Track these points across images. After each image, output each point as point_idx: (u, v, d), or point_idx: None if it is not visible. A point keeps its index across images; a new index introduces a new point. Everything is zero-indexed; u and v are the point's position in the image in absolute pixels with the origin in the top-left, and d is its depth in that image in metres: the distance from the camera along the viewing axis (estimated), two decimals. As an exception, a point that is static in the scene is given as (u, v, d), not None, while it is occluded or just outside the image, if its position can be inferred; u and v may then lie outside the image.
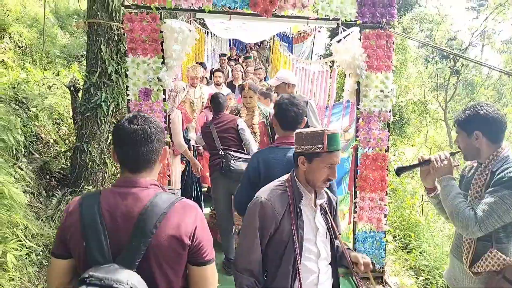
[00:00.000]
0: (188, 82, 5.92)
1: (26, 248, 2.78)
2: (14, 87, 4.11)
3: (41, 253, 2.99)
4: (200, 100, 6.00)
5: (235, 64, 9.16)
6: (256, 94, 4.23)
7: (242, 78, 7.69)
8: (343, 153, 5.26)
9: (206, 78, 7.88)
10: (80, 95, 4.21)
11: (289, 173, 2.07)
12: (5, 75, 4.42)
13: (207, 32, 10.75)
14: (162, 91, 3.34)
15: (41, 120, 4.13)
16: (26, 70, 5.24)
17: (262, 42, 13.86)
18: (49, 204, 3.47)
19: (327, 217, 2.06)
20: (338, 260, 2.08)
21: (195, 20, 9.09)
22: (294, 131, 2.37)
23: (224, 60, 9.62)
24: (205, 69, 7.79)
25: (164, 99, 3.38)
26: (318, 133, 1.92)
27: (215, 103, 4.00)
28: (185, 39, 3.28)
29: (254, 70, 7.70)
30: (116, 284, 1.31)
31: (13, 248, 2.53)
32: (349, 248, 2.12)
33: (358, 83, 3.66)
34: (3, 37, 6.28)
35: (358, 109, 3.70)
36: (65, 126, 4.61)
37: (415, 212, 7.57)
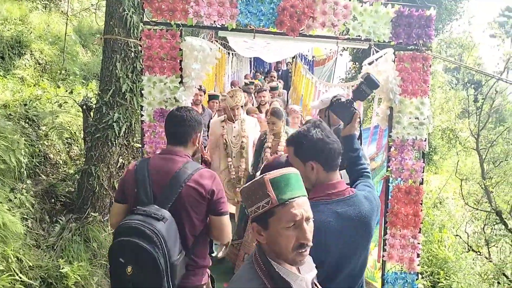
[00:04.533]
0: (216, 114, 4.46)
1: (21, 282, 2.53)
2: (25, 104, 3.96)
3: (37, 287, 2.71)
4: (240, 139, 4.18)
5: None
6: (281, 120, 3.94)
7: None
8: (370, 183, 4.90)
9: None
10: (92, 114, 4.02)
11: (251, 254, 1.44)
12: (18, 92, 4.29)
13: (229, 53, 10.67)
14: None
15: (51, 140, 3.94)
16: (40, 87, 5.12)
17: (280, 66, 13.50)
18: (52, 231, 3.23)
19: None
20: None
21: (216, 41, 9.02)
22: (337, 172, 1.91)
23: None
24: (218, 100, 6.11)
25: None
26: (258, 183, 1.35)
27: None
28: (206, 58, 3.07)
29: (257, 92, 6.94)
30: (154, 214, 1.87)
31: (3, 286, 2.27)
32: None
33: (391, 108, 3.36)
34: (24, 53, 6.27)
35: (390, 136, 3.39)
36: (77, 146, 4.42)
37: (443, 247, 7.10)
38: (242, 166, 4.18)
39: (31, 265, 2.72)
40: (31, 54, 6.37)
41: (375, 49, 3.34)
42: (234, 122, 4.21)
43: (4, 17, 6.72)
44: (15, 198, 2.83)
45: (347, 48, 14.11)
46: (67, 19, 6.19)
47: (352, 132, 2.31)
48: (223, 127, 4.18)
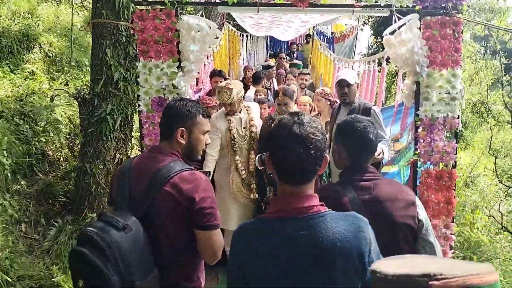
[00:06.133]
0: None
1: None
2: (21, 100, 3.74)
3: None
4: (249, 129, 3.62)
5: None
6: (293, 101, 3.59)
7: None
8: (393, 167, 4.53)
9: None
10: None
11: None
12: (16, 86, 4.08)
13: (242, 35, 10.27)
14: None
15: (49, 136, 3.72)
16: (37, 80, 4.88)
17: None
18: (48, 235, 3.04)
19: None
20: None
21: (228, 22, 8.64)
22: (302, 186, 1.28)
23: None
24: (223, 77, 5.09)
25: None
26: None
27: None
28: (205, 38, 2.76)
29: (300, 74, 6.76)
30: (115, 222, 1.62)
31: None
32: None
33: (418, 83, 2.97)
34: (33, 47, 6.11)
35: (417, 115, 3.01)
36: (79, 142, 4.20)
37: (475, 229, 6.65)
38: (253, 159, 3.60)
39: (21, 274, 2.52)
40: (40, 47, 6.21)
41: (397, 16, 2.94)
42: (240, 112, 3.60)
43: (13, 11, 6.57)
44: (-1, 204, 2.62)
45: (368, 21, 13.46)
46: (72, 9, 5.96)
47: None
48: (229, 120, 3.53)
